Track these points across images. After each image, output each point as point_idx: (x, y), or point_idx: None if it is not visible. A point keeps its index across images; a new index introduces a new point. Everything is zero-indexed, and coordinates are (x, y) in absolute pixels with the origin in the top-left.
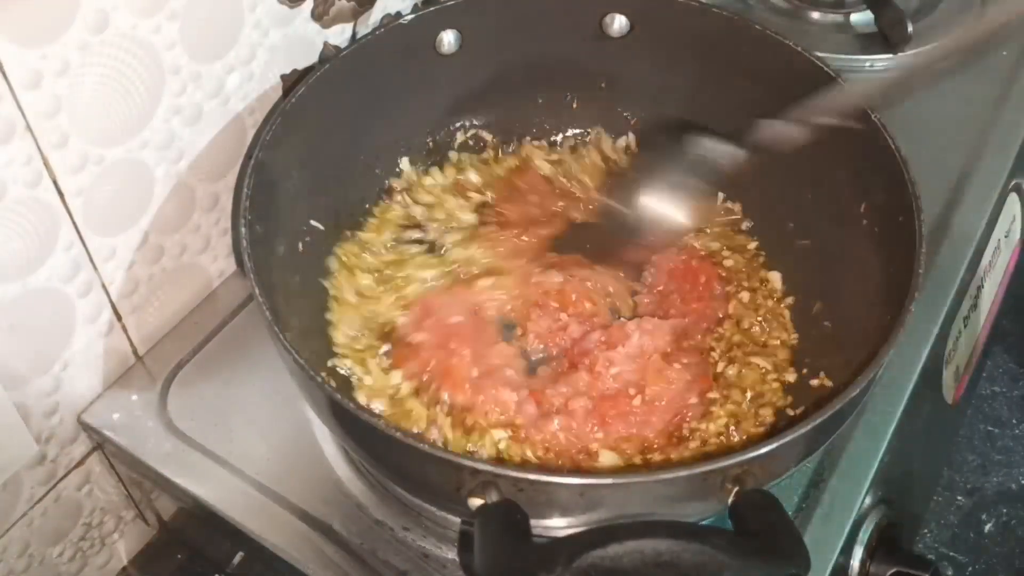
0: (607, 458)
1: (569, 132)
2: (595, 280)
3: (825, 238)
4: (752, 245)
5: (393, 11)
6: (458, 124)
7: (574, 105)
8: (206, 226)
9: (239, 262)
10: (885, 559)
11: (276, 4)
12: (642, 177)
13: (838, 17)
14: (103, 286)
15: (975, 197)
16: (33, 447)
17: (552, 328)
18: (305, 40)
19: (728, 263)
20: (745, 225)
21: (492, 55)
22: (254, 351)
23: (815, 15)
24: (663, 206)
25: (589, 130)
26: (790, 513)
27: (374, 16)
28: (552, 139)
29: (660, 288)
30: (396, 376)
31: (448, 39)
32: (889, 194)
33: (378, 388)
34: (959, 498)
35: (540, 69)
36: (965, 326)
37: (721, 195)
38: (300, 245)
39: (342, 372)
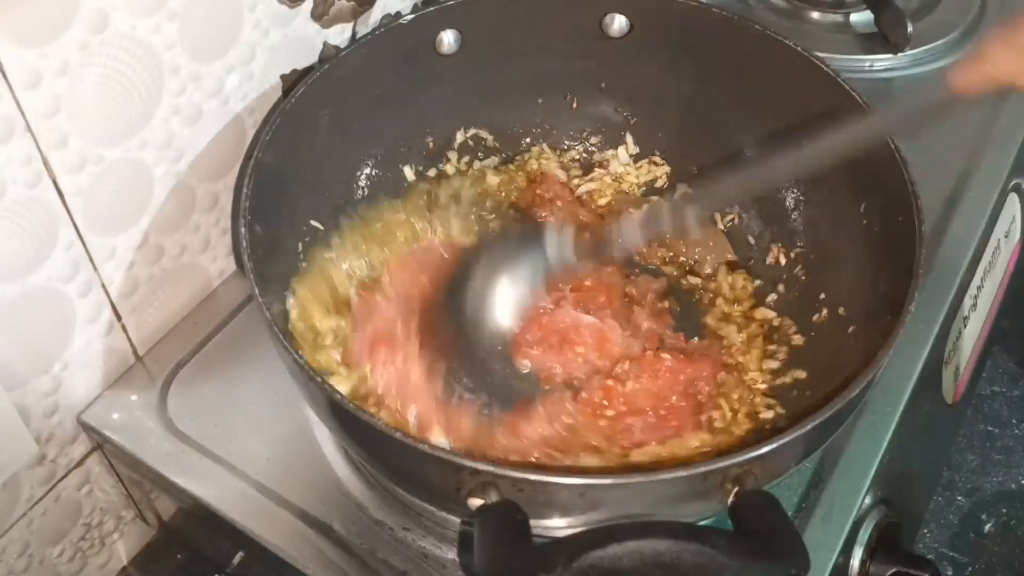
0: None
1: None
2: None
3: (825, 238)
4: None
5: (393, 11)
6: (458, 124)
7: (574, 105)
8: (206, 226)
9: (239, 262)
10: (885, 559)
11: (276, 4)
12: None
13: (838, 17)
14: (103, 286)
15: (975, 197)
16: (33, 447)
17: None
18: (305, 40)
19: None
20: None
21: (492, 55)
22: (254, 351)
23: (815, 15)
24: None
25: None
26: (790, 513)
27: (374, 16)
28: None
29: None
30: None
31: (448, 39)
32: (889, 194)
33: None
34: (959, 498)
35: (540, 69)
36: (965, 326)
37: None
38: (300, 245)
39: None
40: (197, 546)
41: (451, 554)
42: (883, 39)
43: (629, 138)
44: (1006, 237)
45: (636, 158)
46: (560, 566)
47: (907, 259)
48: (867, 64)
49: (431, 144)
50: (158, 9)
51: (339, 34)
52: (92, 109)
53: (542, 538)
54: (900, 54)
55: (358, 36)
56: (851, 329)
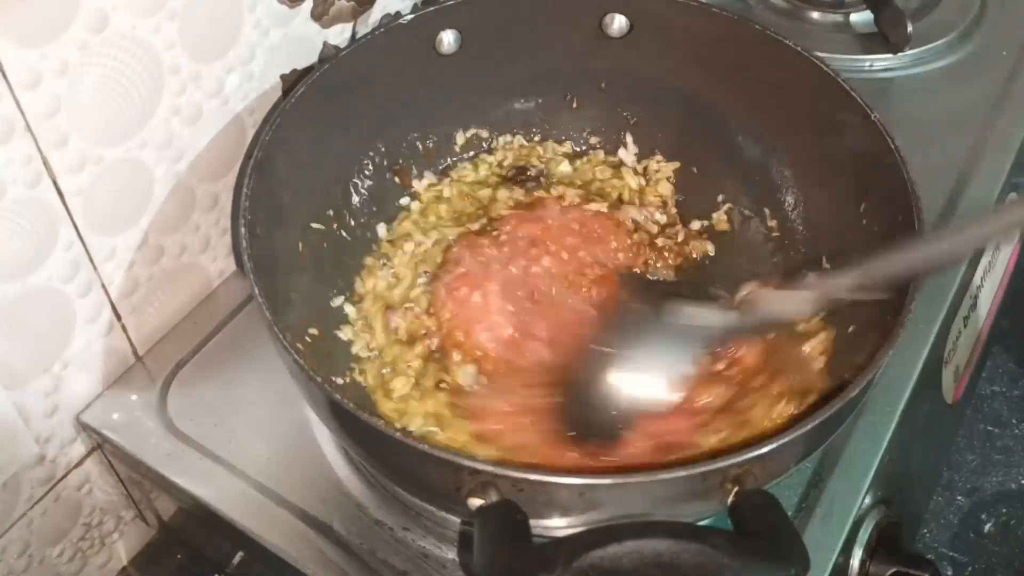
0: None
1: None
2: None
3: (824, 238)
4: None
5: (393, 11)
6: (458, 124)
7: (574, 105)
8: (206, 226)
9: (239, 262)
10: (885, 559)
11: (276, 4)
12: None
13: (838, 17)
14: (103, 286)
15: (975, 197)
16: (33, 447)
17: None
18: (305, 40)
19: None
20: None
21: (492, 55)
22: (254, 351)
23: (815, 15)
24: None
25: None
26: (790, 513)
27: (374, 16)
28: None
29: None
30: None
31: (448, 39)
32: (889, 194)
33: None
34: (959, 498)
35: (540, 69)
36: (965, 326)
37: (720, 196)
38: (300, 245)
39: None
40: (197, 546)
41: (451, 554)
42: (883, 39)
43: (629, 138)
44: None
45: (638, 158)
46: (560, 566)
47: None
48: (867, 64)
49: (431, 144)
50: (158, 9)
51: (339, 34)
52: (92, 109)
53: (542, 538)
54: (900, 54)
55: (358, 36)
56: (851, 329)
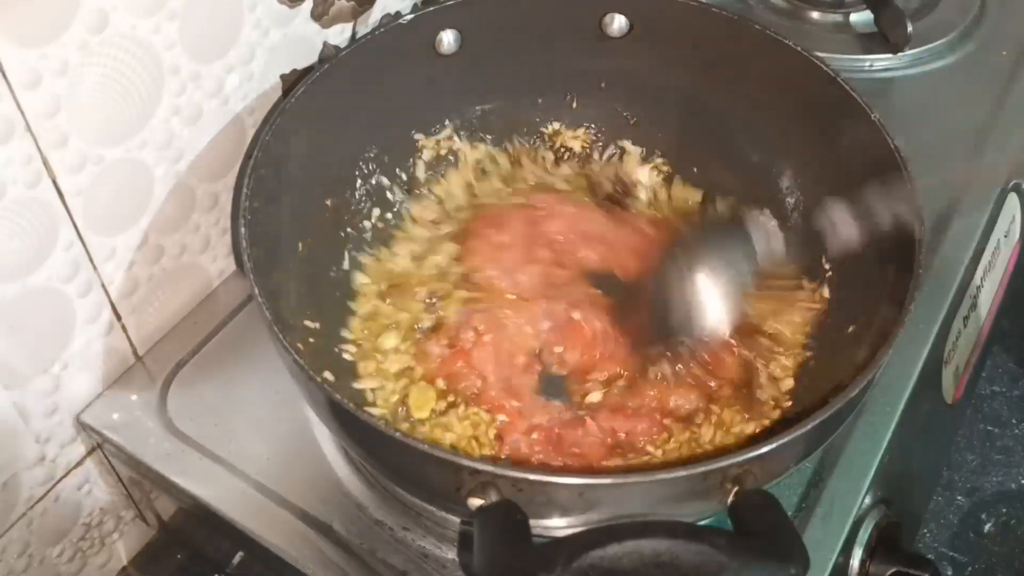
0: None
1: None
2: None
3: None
4: None
5: (393, 11)
6: (458, 124)
7: (574, 105)
8: (206, 226)
9: (239, 262)
10: (885, 559)
11: (276, 4)
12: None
13: (838, 17)
14: (103, 286)
15: (975, 197)
16: (33, 447)
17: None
18: (305, 40)
19: None
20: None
21: (492, 55)
22: (254, 351)
23: (815, 15)
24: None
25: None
26: (790, 513)
27: (374, 16)
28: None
29: None
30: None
31: (448, 39)
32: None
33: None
34: (959, 498)
35: (540, 69)
36: (965, 326)
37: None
38: (300, 245)
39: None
40: (197, 546)
41: (451, 554)
42: (883, 39)
43: (629, 138)
44: (1006, 237)
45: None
46: (560, 566)
47: (907, 259)
48: (867, 64)
49: (431, 144)
50: (158, 9)
51: (339, 34)
52: (92, 109)
53: (542, 538)
54: (900, 54)
55: (358, 36)
56: (851, 329)
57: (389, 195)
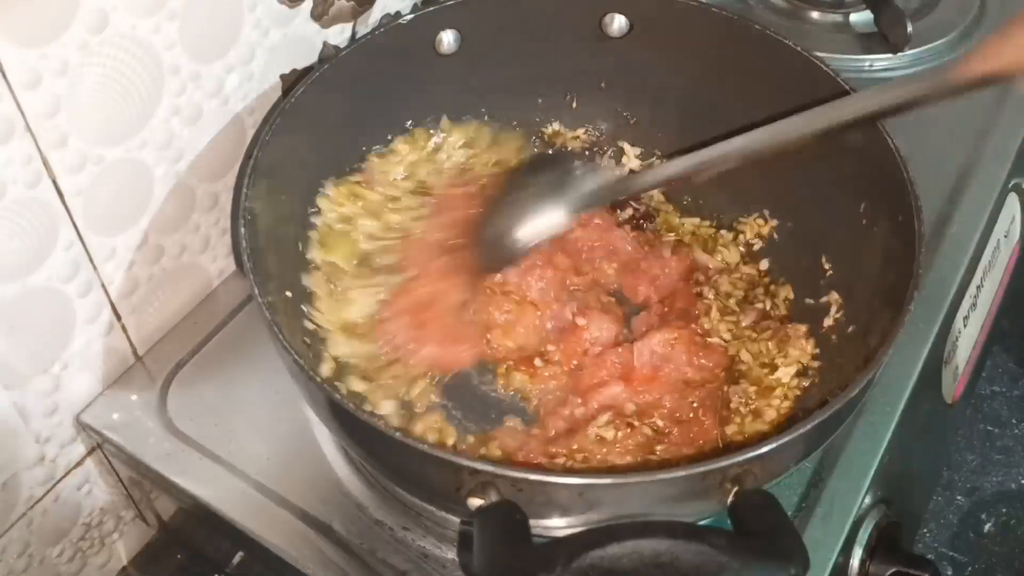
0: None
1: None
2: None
3: (824, 238)
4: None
5: (393, 11)
6: (458, 124)
7: (574, 105)
8: (206, 226)
9: (239, 262)
10: (885, 559)
11: (276, 4)
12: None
13: (838, 17)
14: (103, 286)
15: (975, 197)
16: (32, 447)
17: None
18: (305, 40)
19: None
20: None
21: (492, 55)
22: (254, 351)
23: (815, 15)
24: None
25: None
26: (790, 513)
27: (374, 16)
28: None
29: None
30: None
31: (448, 39)
32: (889, 194)
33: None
34: (959, 498)
35: (540, 69)
36: (965, 326)
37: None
38: (300, 245)
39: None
40: (197, 546)
41: (451, 554)
42: (883, 39)
43: (629, 138)
44: (1006, 237)
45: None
46: (560, 566)
47: (907, 259)
48: (867, 64)
49: (432, 145)
50: (158, 9)
51: (339, 34)
52: (92, 109)
53: (542, 538)
54: (900, 54)
55: (358, 36)
56: (851, 329)
57: None
